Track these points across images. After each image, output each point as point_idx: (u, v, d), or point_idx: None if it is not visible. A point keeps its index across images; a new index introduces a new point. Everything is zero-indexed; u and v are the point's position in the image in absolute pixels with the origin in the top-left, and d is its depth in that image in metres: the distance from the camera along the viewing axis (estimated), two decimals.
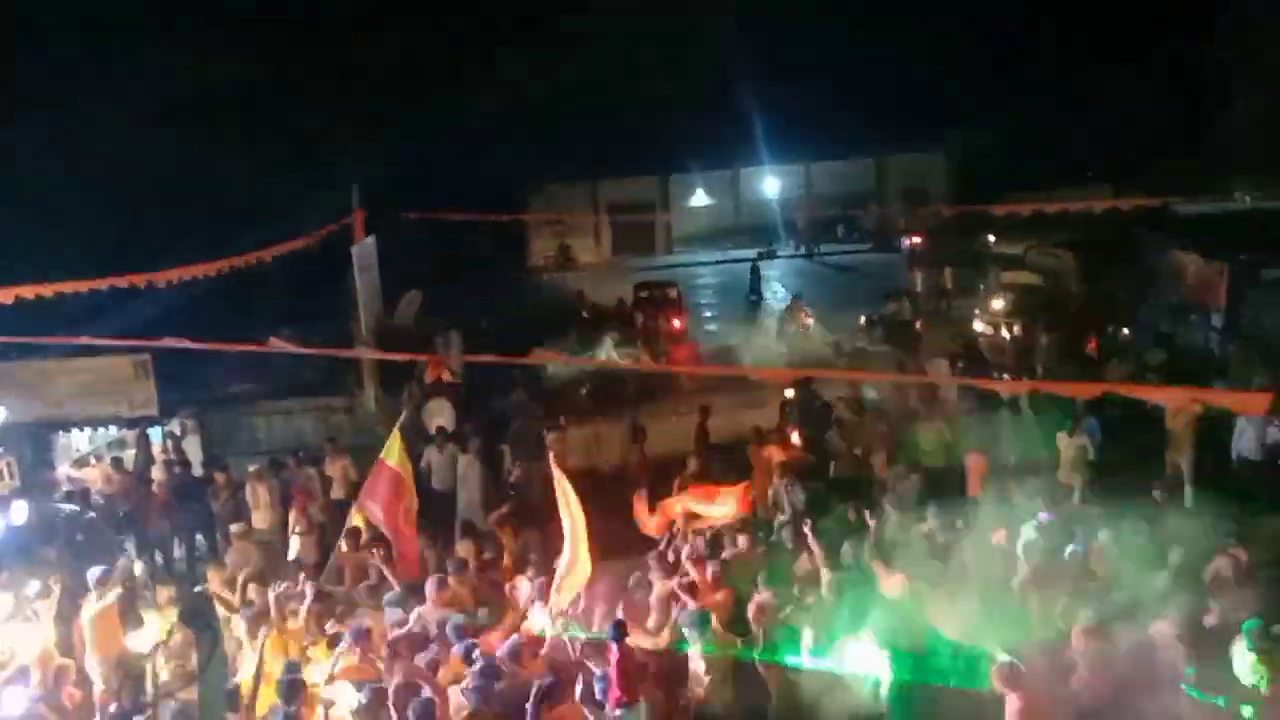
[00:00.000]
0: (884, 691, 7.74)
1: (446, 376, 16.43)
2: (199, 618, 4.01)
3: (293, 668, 8.14)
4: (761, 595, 8.74)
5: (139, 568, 12.14)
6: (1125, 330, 17.96)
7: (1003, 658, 6.80)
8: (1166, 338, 16.96)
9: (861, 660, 7.85)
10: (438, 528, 12.09)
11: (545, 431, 14.39)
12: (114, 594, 9.46)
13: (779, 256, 37.05)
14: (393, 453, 10.70)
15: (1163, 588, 8.24)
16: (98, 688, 8.99)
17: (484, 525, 12.16)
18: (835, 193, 40.71)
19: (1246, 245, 17.48)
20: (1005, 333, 19.15)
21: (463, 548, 10.96)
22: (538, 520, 11.27)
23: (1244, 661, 6.96)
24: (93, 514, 13.01)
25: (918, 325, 21.15)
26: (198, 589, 10.45)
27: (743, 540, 10.26)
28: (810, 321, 21.70)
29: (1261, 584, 8.29)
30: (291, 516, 12.27)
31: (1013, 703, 6.72)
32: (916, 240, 29.49)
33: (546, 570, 9.50)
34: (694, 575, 9.27)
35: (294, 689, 7.70)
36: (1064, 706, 7.13)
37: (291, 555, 11.68)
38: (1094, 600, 8.16)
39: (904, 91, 34.04)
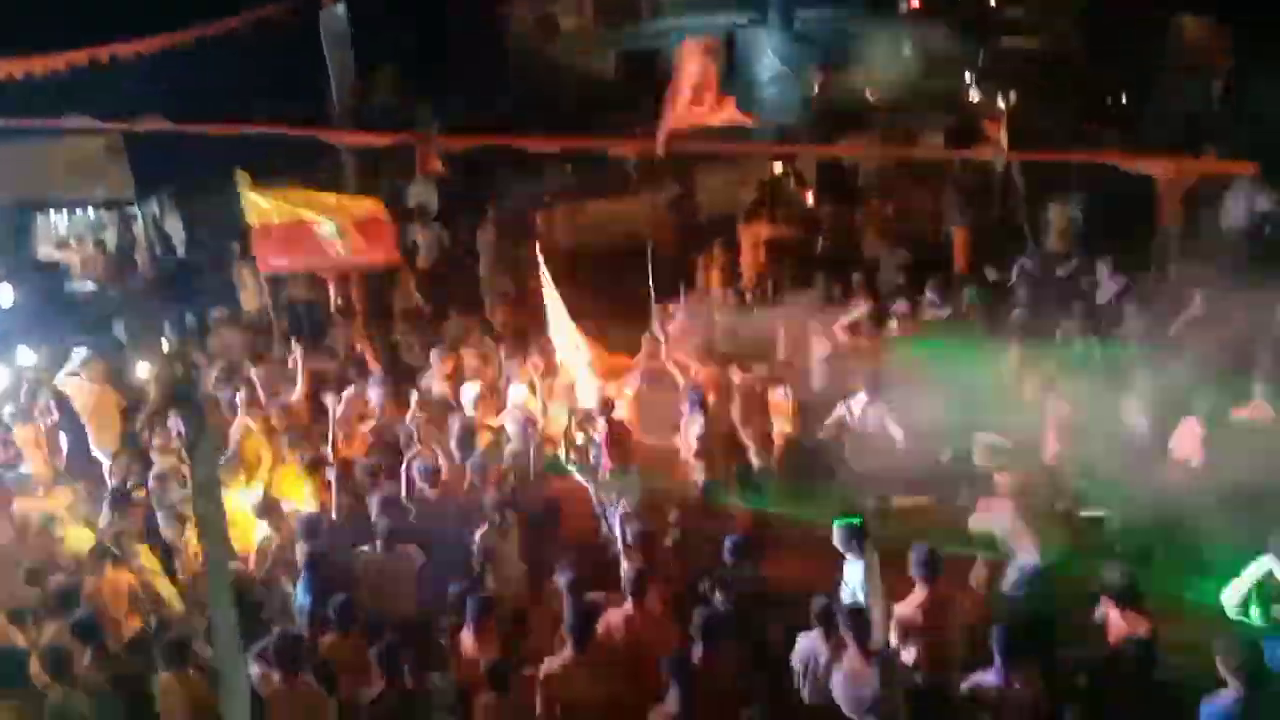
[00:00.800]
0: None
1: (437, 166, 15.99)
2: (185, 400, 4.02)
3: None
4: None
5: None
6: (1124, 99, 17.46)
7: (920, 545, 6.15)
8: (1166, 107, 16.49)
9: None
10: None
11: (531, 211, 14.26)
12: (97, 376, 9.59)
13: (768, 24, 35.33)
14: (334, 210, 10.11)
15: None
16: (105, 467, 9.28)
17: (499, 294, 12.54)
18: None
19: (1252, 7, 16.67)
20: (1001, 102, 18.60)
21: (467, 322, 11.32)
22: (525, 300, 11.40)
23: None
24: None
25: None
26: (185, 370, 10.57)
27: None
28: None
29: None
30: (332, 290, 12.23)
31: (920, 592, 6.05)
32: (915, 3, 28.11)
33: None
34: (679, 353, 9.44)
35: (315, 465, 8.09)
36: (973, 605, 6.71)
37: None
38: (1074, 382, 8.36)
39: None
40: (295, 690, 5.74)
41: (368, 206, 10.29)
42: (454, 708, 5.60)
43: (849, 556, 6.31)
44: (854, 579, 6.20)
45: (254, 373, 9.56)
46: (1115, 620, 5.73)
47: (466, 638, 6.12)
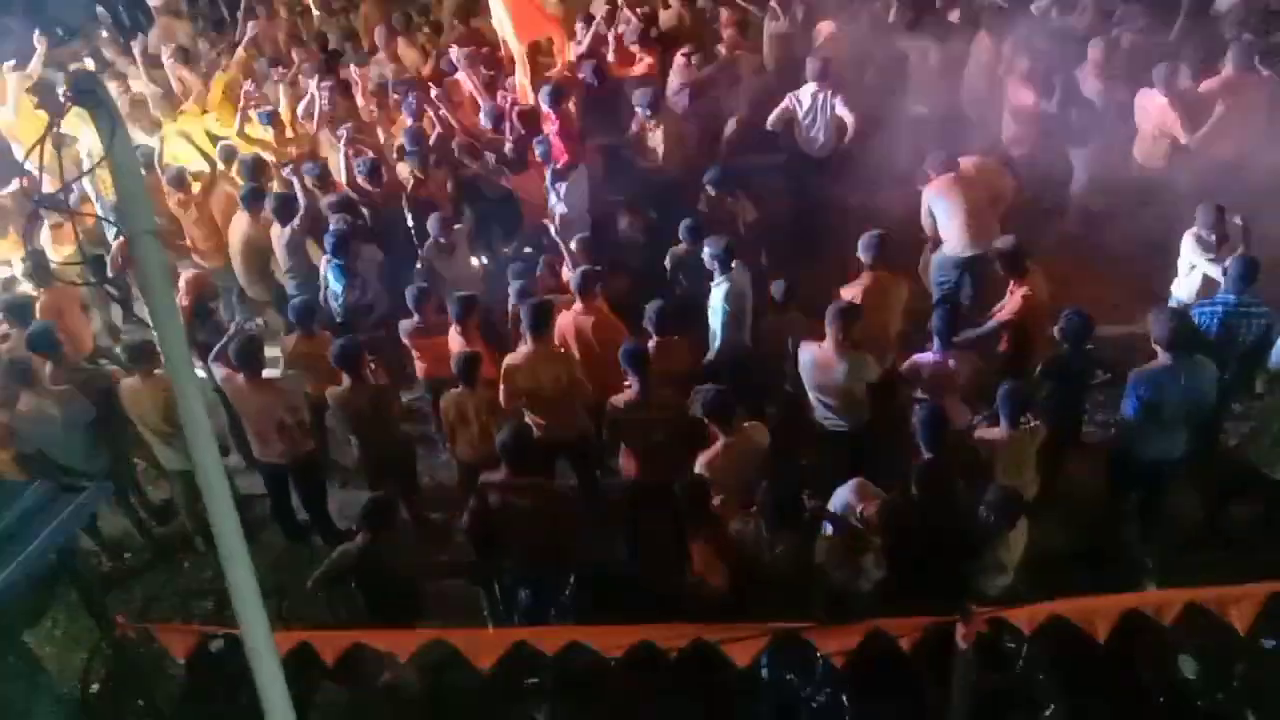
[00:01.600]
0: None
1: None
2: (89, 95, 3.53)
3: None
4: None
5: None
6: None
7: (870, 231, 6.13)
8: None
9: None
10: None
11: None
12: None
13: None
14: None
15: None
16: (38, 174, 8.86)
17: None
18: None
19: None
20: None
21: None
22: None
23: None
24: None
25: None
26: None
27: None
28: None
29: None
30: None
31: (866, 276, 6.11)
32: None
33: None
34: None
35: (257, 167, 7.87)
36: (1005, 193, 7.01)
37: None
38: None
39: None
40: (259, 389, 5.89)
41: None
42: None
43: (716, 276, 6.15)
44: (716, 299, 6.13)
45: (168, 64, 8.98)
46: (1010, 292, 5.94)
47: (453, 336, 6.18)
